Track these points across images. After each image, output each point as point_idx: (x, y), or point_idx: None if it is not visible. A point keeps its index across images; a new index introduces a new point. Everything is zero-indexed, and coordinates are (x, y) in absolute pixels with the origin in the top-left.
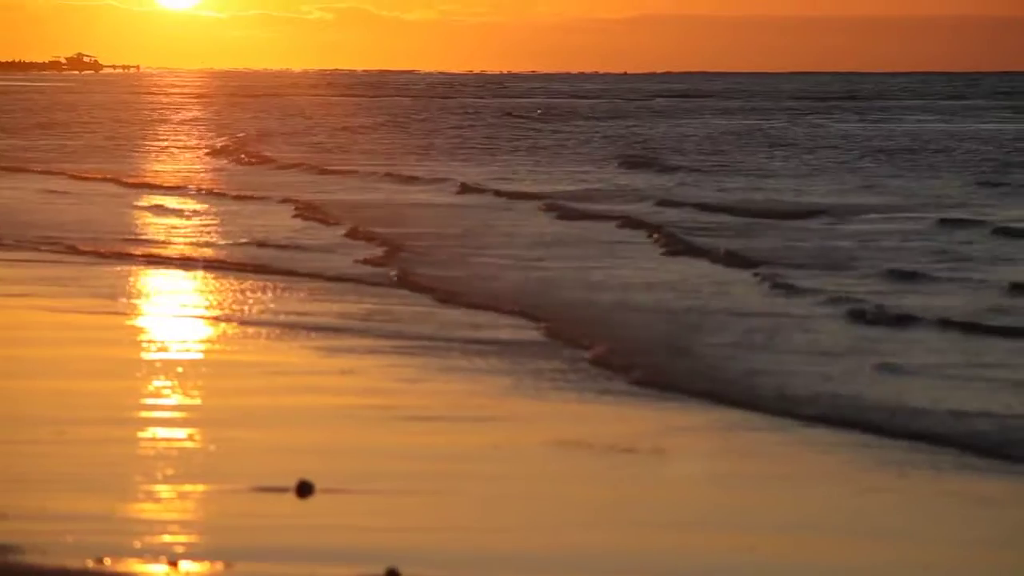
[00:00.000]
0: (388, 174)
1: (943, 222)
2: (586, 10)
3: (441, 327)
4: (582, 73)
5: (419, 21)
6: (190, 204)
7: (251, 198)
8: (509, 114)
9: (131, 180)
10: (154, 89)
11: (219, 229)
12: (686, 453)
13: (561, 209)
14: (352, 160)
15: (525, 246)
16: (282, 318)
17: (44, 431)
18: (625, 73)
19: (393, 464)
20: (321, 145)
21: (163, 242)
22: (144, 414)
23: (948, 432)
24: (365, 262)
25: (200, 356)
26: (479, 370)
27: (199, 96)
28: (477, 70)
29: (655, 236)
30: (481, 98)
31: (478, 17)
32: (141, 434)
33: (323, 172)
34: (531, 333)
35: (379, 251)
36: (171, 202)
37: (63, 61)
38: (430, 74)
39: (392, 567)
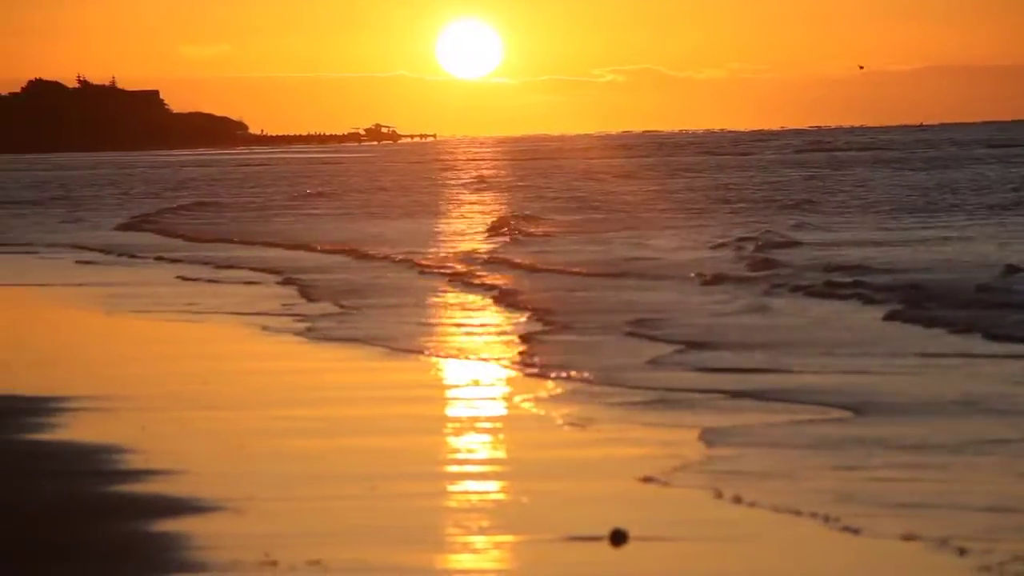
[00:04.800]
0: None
1: None
2: (874, 63)
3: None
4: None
5: (709, 80)
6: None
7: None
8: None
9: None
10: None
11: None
12: None
13: None
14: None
15: None
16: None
17: (356, 487)
18: (921, 125)
19: (711, 511)
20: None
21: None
22: (454, 468)
23: None
24: None
25: (506, 411)
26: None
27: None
28: (775, 127)
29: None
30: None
31: (766, 74)
32: (452, 487)
33: None
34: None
35: None
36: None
37: (362, 132)
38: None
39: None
